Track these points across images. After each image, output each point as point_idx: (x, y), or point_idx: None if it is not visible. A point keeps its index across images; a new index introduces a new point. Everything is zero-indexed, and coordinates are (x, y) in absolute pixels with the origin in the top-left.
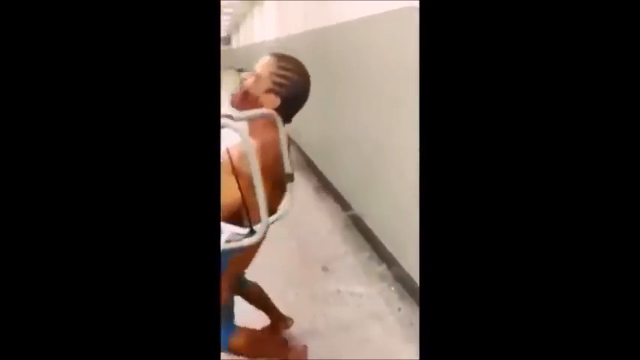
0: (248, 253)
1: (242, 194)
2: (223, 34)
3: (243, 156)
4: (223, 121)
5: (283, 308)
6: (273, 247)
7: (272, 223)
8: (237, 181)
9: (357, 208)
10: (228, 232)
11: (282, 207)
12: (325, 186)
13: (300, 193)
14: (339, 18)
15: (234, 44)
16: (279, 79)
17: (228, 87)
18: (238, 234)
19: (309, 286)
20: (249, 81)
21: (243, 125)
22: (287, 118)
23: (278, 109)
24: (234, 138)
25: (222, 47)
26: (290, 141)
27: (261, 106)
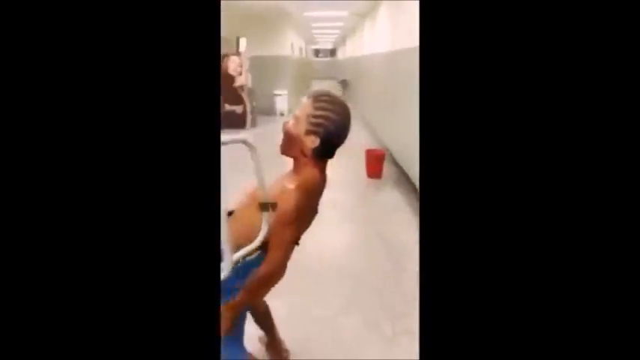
0: (259, 285)
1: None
2: (329, 46)
3: (282, 192)
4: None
5: None
6: None
7: (243, 256)
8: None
9: None
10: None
11: (257, 240)
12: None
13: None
14: None
15: (339, 56)
16: (315, 120)
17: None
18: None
19: None
20: (290, 124)
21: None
22: (329, 154)
23: (319, 148)
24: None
25: (327, 59)
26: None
27: (302, 147)
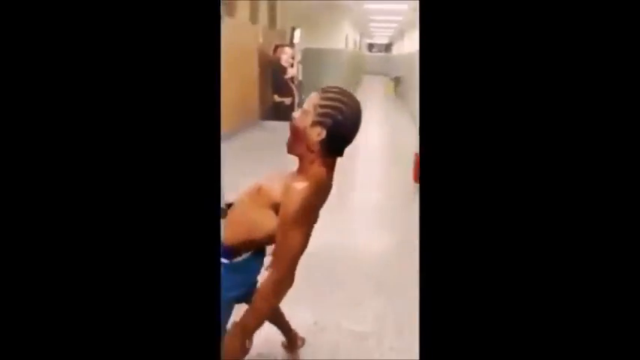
0: (268, 297)
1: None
2: (385, 41)
3: (287, 191)
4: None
5: None
6: None
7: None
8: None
9: None
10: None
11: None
12: None
13: None
14: None
15: (394, 52)
16: (322, 110)
17: (377, 93)
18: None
19: None
20: (297, 117)
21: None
22: (337, 151)
23: (325, 141)
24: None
25: (381, 54)
26: None
27: (307, 139)
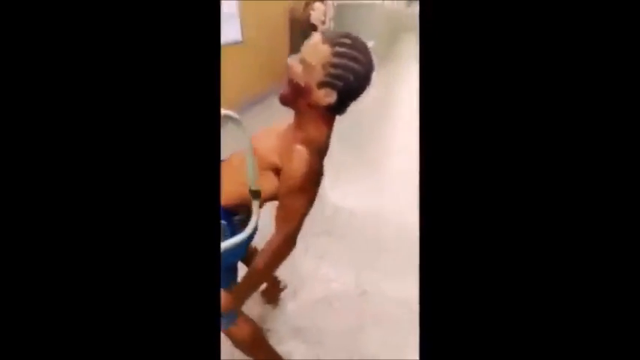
0: (270, 263)
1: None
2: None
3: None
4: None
5: None
6: None
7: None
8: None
9: None
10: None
11: (248, 228)
12: None
13: None
14: None
15: None
16: (335, 71)
17: (416, 51)
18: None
19: None
20: (297, 70)
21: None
22: (342, 110)
23: (333, 104)
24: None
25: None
26: None
27: (314, 102)
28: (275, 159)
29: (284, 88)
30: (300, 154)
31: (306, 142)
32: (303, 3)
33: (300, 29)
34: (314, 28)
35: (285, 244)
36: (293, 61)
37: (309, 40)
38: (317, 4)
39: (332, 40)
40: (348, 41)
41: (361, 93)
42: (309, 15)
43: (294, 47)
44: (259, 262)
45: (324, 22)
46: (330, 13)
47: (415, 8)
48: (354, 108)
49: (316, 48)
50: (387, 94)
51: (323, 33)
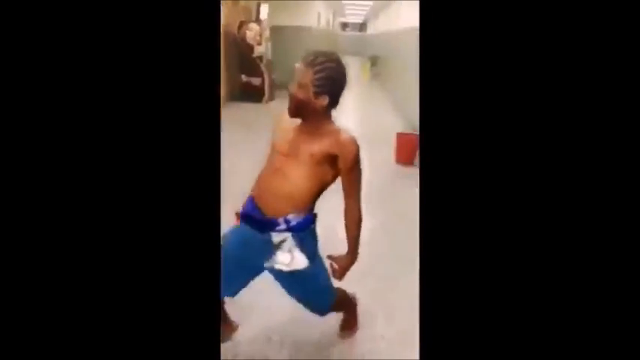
0: (358, 232)
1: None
2: (359, 20)
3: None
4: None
5: None
6: None
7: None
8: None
9: None
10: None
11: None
12: None
13: None
14: None
15: (370, 31)
16: (320, 82)
17: (353, 73)
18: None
19: None
20: (296, 92)
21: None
22: (335, 106)
23: (329, 103)
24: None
25: (355, 33)
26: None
27: (315, 108)
28: (333, 150)
29: (289, 106)
30: (349, 138)
31: (344, 131)
32: (237, 22)
33: (237, 49)
34: (250, 47)
35: (360, 205)
36: (291, 86)
37: (298, 68)
38: (252, 25)
39: (311, 62)
40: (322, 58)
41: (343, 89)
42: (245, 35)
43: (228, 66)
44: (354, 220)
45: (259, 43)
46: (266, 33)
47: (351, 32)
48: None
49: (303, 72)
50: None
51: (303, 59)
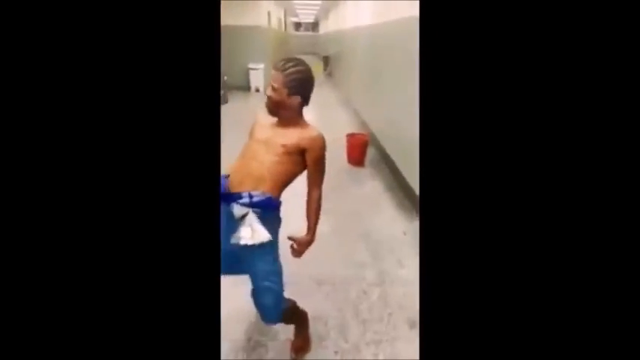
0: (318, 215)
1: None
2: (311, 19)
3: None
4: None
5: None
6: None
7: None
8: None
9: None
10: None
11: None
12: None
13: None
14: None
15: (321, 31)
16: (292, 84)
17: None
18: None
19: None
20: (273, 95)
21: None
22: (307, 103)
23: (301, 102)
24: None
25: (309, 33)
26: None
27: (288, 107)
28: (303, 144)
29: (267, 105)
30: (317, 135)
31: (313, 128)
32: None
33: None
34: None
35: (321, 194)
36: (268, 90)
37: (273, 74)
38: None
39: (282, 67)
40: (289, 63)
41: (312, 88)
42: None
43: None
44: (315, 207)
45: None
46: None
47: (304, 32)
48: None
49: (275, 76)
50: None
51: (274, 65)
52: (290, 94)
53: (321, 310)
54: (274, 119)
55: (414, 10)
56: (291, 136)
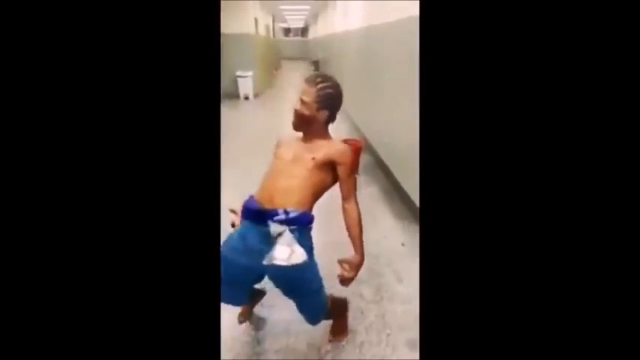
0: (361, 229)
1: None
2: (300, 25)
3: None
4: None
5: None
6: None
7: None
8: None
9: None
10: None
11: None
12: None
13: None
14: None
15: (310, 36)
16: (322, 99)
17: (298, 78)
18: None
19: None
20: (301, 109)
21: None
22: (333, 120)
23: (329, 117)
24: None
25: (298, 38)
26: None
27: (316, 121)
28: (333, 157)
29: (294, 121)
30: (347, 150)
31: (342, 143)
32: None
33: None
34: None
35: (357, 205)
36: (297, 104)
37: (303, 87)
38: None
39: (313, 81)
40: (320, 78)
41: (341, 104)
42: None
43: None
44: (355, 219)
45: None
46: None
47: (293, 37)
48: None
49: (306, 90)
50: (272, 117)
51: (306, 80)
52: (319, 109)
53: (315, 337)
54: (299, 135)
55: (405, 12)
56: (320, 150)
